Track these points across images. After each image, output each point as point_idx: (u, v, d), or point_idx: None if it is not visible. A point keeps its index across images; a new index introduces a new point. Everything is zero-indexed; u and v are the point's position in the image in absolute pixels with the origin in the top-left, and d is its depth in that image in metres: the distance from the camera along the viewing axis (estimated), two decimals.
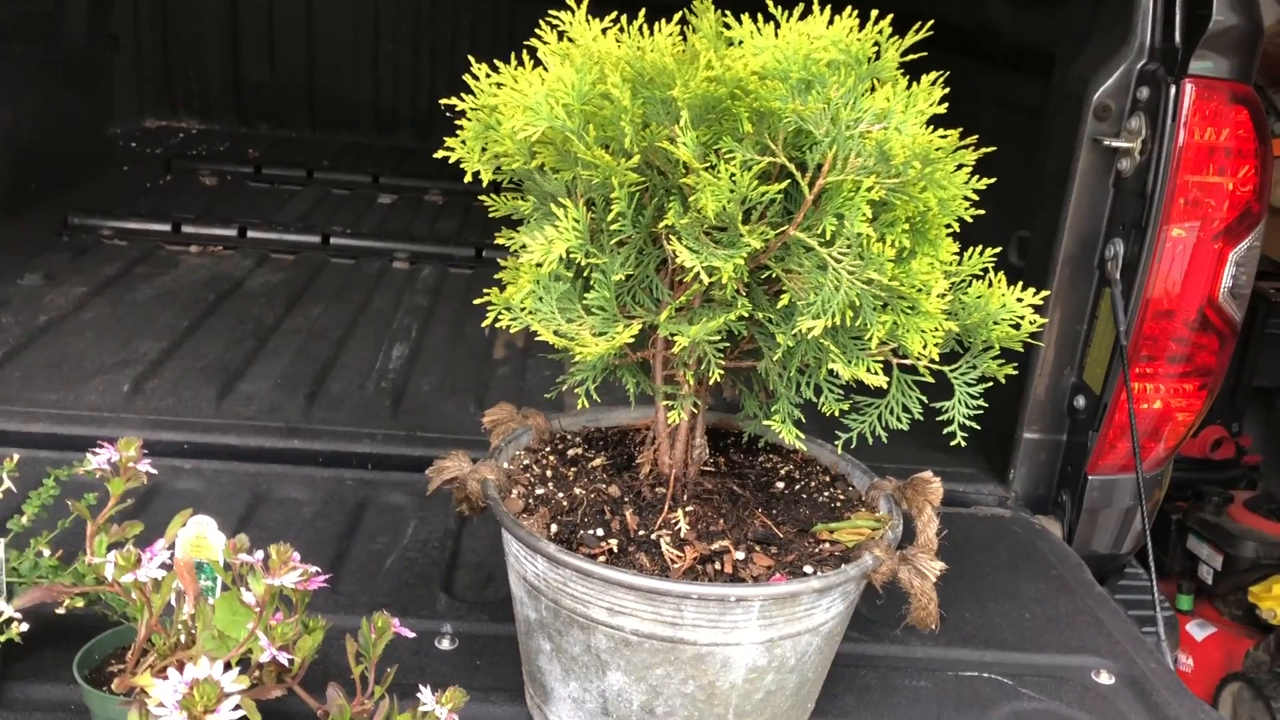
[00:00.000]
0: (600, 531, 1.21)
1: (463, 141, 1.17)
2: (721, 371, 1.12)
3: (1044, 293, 1.18)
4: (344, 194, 3.62)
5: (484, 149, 1.17)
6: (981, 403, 1.21)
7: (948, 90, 1.07)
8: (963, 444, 1.21)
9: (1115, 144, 1.83)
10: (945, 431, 1.21)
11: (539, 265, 1.09)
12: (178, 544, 1.20)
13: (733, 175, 1.03)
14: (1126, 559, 2.08)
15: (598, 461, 1.35)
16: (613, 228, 1.09)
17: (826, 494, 1.34)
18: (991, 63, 2.49)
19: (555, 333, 1.11)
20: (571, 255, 1.10)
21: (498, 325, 1.14)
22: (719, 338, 1.13)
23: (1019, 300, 1.17)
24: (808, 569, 1.17)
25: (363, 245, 3.05)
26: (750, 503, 1.29)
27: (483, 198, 1.30)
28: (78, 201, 3.08)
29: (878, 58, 1.05)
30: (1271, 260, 3.60)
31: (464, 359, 2.37)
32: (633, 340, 1.09)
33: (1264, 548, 3.40)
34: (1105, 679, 1.47)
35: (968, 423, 1.22)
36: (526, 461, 1.34)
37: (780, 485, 1.35)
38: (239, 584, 1.11)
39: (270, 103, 4.23)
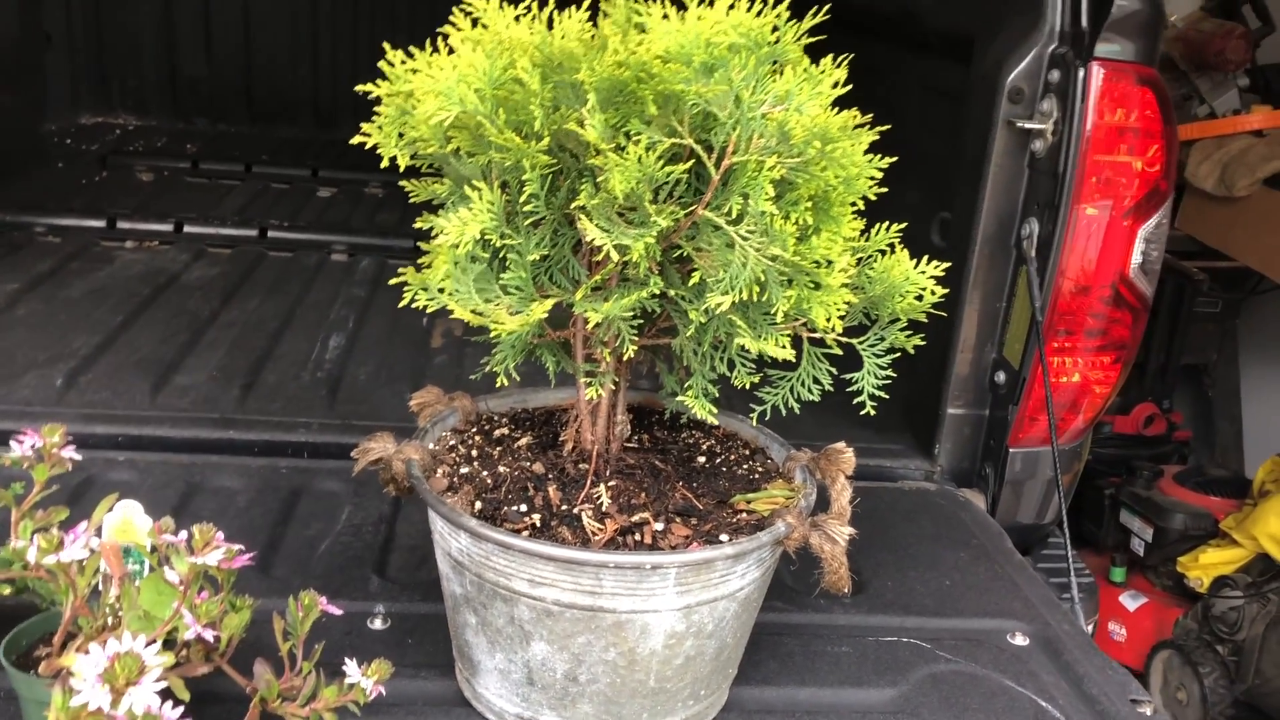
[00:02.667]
0: (524, 507, 1.24)
1: (379, 127, 1.19)
2: (636, 347, 1.16)
3: (944, 264, 1.22)
4: (283, 188, 3.61)
5: (401, 135, 1.20)
6: (890, 373, 1.26)
7: (875, 76, 1.11)
8: (872, 413, 1.25)
9: (1028, 125, 1.88)
10: (855, 401, 1.26)
11: (455, 246, 1.12)
12: (104, 528, 1.22)
13: (640, 157, 1.06)
14: (1050, 529, 2.14)
15: (523, 441, 1.38)
16: (526, 209, 1.12)
17: (746, 467, 1.38)
18: (916, 49, 2.54)
19: (473, 311, 1.14)
20: (487, 236, 1.13)
21: (414, 305, 1.17)
22: (633, 315, 1.16)
23: (921, 272, 1.21)
24: (724, 537, 1.20)
25: (301, 238, 3.06)
26: (671, 477, 1.33)
27: (404, 183, 1.32)
28: (10, 199, 3.05)
29: (778, 42, 1.08)
30: (1197, 241, 3.71)
31: (401, 348, 2.39)
32: (547, 317, 1.13)
33: (1191, 519, 3.50)
34: (1020, 640, 1.53)
35: (878, 393, 1.26)
36: (452, 442, 1.36)
37: (701, 460, 1.39)
38: (164, 565, 1.13)
39: (208, 98, 4.20)
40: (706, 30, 1.06)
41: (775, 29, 1.07)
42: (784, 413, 1.27)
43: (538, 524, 1.22)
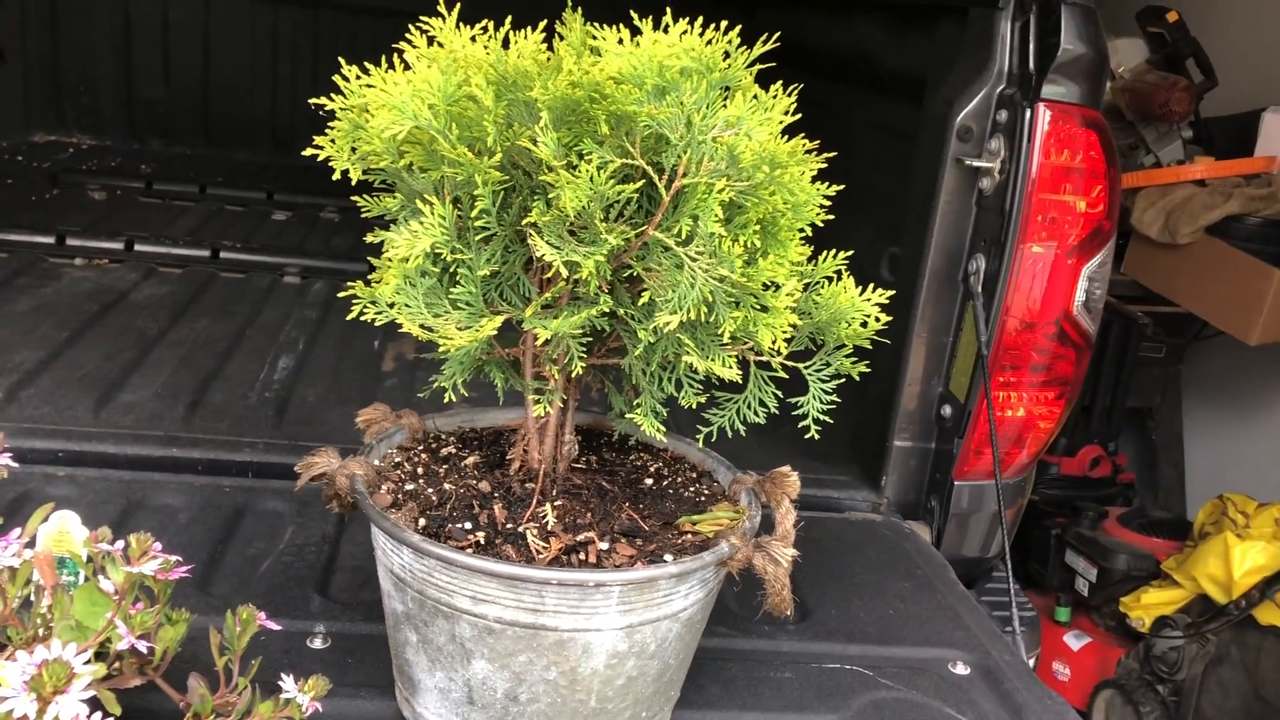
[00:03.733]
0: (468, 525, 1.24)
1: (332, 141, 1.19)
2: (584, 365, 1.16)
3: (888, 292, 1.24)
4: (238, 210, 3.59)
5: (354, 149, 1.20)
6: (836, 399, 1.27)
7: (827, 114, 1.13)
8: (817, 438, 1.26)
9: (977, 164, 1.92)
10: (800, 426, 1.27)
11: (405, 260, 1.12)
12: (38, 538, 1.19)
13: (591, 175, 1.07)
14: (994, 562, 2.16)
15: (470, 460, 1.38)
16: (477, 224, 1.13)
17: (692, 489, 1.38)
18: (870, 89, 2.58)
19: (421, 326, 1.14)
20: (438, 251, 1.14)
21: (363, 319, 1.16)
22: (582, 333, 1.17)
23: (866, 299, 1.23)
24: (668, 557, 1.21)
25: (253, 260, 3.04)
26: (618, 498, 1.33)
27: (355, 198, 1.33)
28: None
29: (729, 68, 1.10)
30: (1143, 286, 3.78)
31: (351, 371, 2.37)
32: (496, 333, 1.13)
33: (1134, 560, 3.55)
34: (961, 669, 1.54)
35: (824, 419, 1.27)
36: (398, 459, 1.36)
37: (649, 481, 1.39)
38: (99, 574, 1.11)
39: (164, 119, 4.17)
40: (659, 53, 1.07)
41: (726, 54, 1.09)
42: (730, 434, 1.28)
43: (482, 541, 1.21)
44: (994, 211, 1.91)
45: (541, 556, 1.20)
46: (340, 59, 1.19)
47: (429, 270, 1.15)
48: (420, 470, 1.34)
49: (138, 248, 2.97)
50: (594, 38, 1.14)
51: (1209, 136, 3.89)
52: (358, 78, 1.19)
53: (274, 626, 1.19)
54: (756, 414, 1.26)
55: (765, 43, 1.11)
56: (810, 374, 1.27)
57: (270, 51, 4.19)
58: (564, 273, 1.07)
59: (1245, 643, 3.13)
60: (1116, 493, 4.21)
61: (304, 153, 1.20)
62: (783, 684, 1.45)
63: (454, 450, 1.40)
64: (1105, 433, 4.21)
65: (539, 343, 1.16)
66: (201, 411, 2.07)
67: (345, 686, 1.33)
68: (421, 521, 1.23)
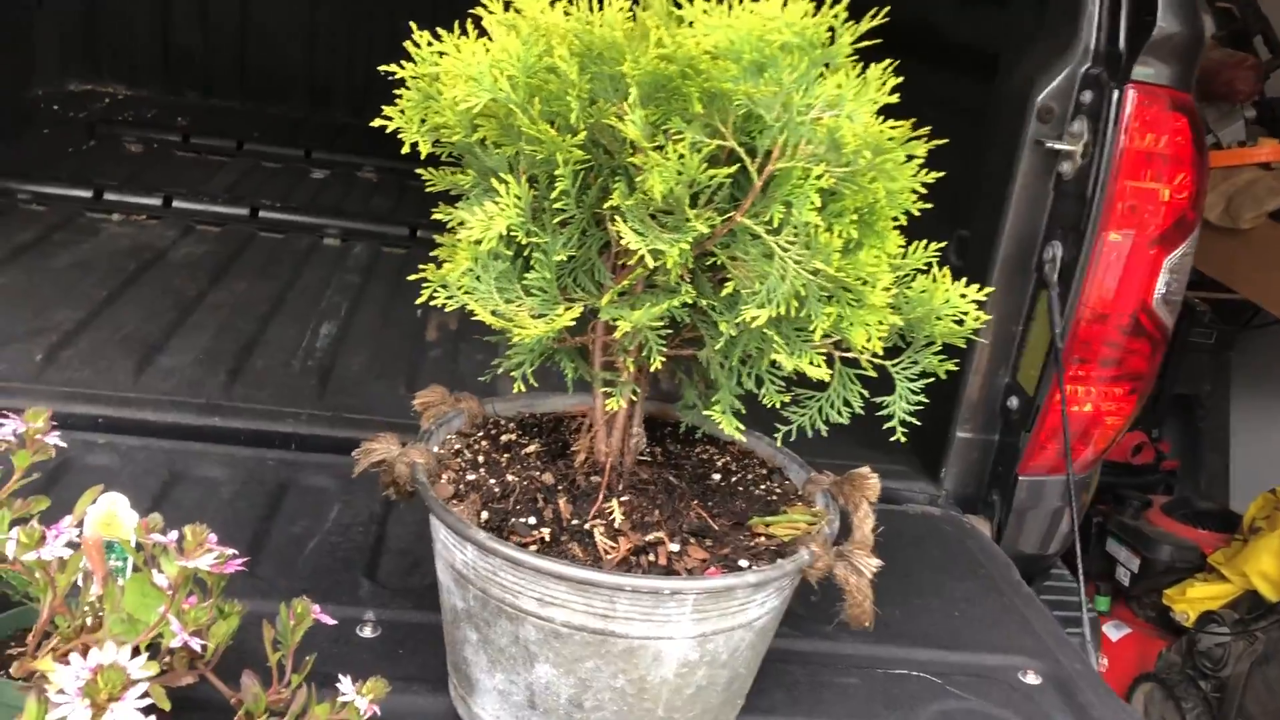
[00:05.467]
0: (532, 520, 1.18)
1: (401, 111, 1.12)
2: (663, 359, 1.10)
3: (987, 289, 1.16)
4: (274, 167, 3.52)
5: (423, 120, 1.13)
6: (922, 398, 1.20)
7: (900, 82, 1.05)
8: (902, 440, 1.20)
9: (1057, 146, 1.83)
10: (885, 427, 1.20)
11: (477, 243, 1.05)
12: (86, 521, 1.14)
13: (681, 156, 1.00)
14: (1053, 560, 2.09)
15: (532, 448, 1.32)
16: (556, 206, 1.06)
17: (763, 487, 1.32)
18: (932, 62, 2.48)
19: (493, 313, 1.08)
20: (512, 233, 1.07)
21: (433, 303, 1.10)
22: (662, 324, 1.10)
23: (962, 296, 1.16)
24: (743, 563, 1.14)
25: (292, 220, 2.98)
26: (686, 494, 1.26)
27: (420, 171, 1.26)
28: None
29: (831, 43, 1.02)
30: (1197, 270, 3.68)
31: (395, 340, 2.32)
32: (573, 324, 1.06)
33: (1179, 551, 3.47)
34: (1032, 679, 1.47)
35: (907, 418, 1.20)
36: (458, 446, 1.30)
37: (716, 477, 1.33)
38: (151, 565, 1.06)
39: (200, 70, 4.09)
40: (759, 26, 0.99)
41: (832, 30, 1.01)
42: (809, 434, 1.21)
43: (547, 538, 1.15)
44: (1073, 197, 1.83)
45: (609, 557, 1.14)
46: (412, 24, 1.11)
47: (501, 253, 1.08)
48: (481, 459, 1.28)
49: (176, 204, 2.91)
50: (678, 6, 1.07)
51: (1274, 117, 3.76)
52: (429, 44, 1.12)
53: (328, 620, 1.13)
54: (840, 414, 1.19)
55: (874, 17, 1.02)
56: (897, 373, 1.19)
57: (308, 3, 4.10)
58: (650, 262, 1.00)
59: None
60: (1158, 480, 4.13)
61: (371, 124, 1.12)
62: (848, 690, 1.40)
63: (514, 437, 1.34)
64: (1149, 419, 4.12)
65: (618, 334, 1.09)
66: (243, 379, 2.01)
67: (397, 680, 1.26)
68: (484, 515, 1.17)
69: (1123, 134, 1.77)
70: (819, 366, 1.09)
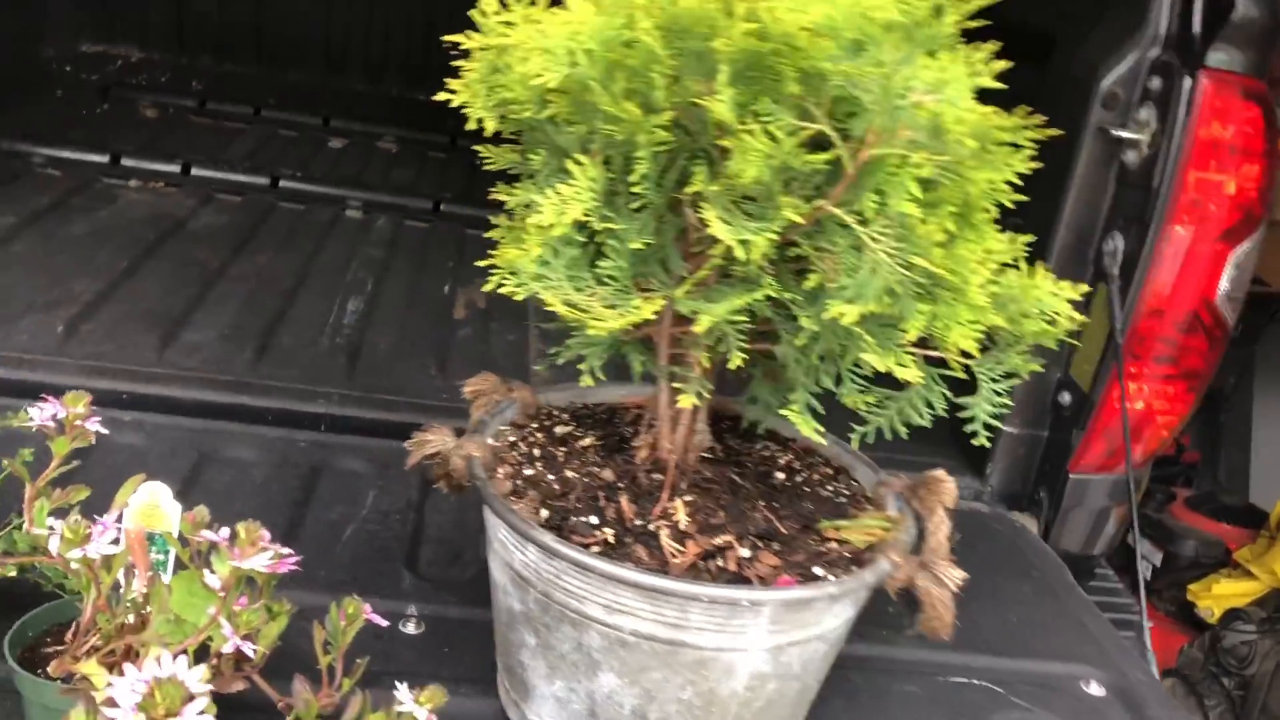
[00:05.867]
0: (594, 519, 1.12)
1: (467, 85, 1.05)
2: (743, 358, 1.03)
3: (1081, 287, 1.10)
4: (292, 135, 3.44)
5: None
6: (1006, 401, 1.14)
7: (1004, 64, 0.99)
8: (986, 444, 1.14)
9: (1123, 135, 1.76)
10: (967, 429, 1.14)
11: (549, 227, 0.98)
12: (127, 512, 1.08)
13: (778, 139, 0.94)
14: (1097, 561, 2.04)
15: (587, 441, 1.26)
16: (634, 190, 0.99)
17: (830, 488, 1.26)
18: (979, 38, 2.41)
19: (565, 303, 1.01)
20: (586, 218, 1.00)
21: (501, 290, 1.03)
22: (742, 319, 1.03)
23: (1054, 295, 1.09)
24: (818, 571, 1.09)
25: (314, 190, 2.90)
26: (752, 494, 1.21)
27: (479, 148, 1.19)
28: (8, 126, 2.87)
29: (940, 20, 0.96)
30: None
31: (422, 318, 2.25)
32: (654, 317, 1.00)
33: (1203, 547, 3.42)
34: (1096, 690, 1.42)
35: (990, 420, 1.14)
36: (513, 438, 1.24)
37: (780, 476, 1.27)
38: (197, 562, 1.00)
39: (215, 33, 4.00)
40: (861, 2, 0.93)
41: (939, 9, 0.95)
42: (889, 436, 1.15)
43: (611, 540, 1.09)
44: (1138, 188, 1.76)
45: (676, 561, 1.08)
46: None
47: (574, 239, 1.01)
48: (537, 452, 1.22)
49: (195, 171, 2.84)
50: None
51: None
52: (495, 13, 1.05)
53: (380, 622, 1.08)
54: (922, 416, 1.13)
55: None
56: (983, 373, 1.13)
57: None
58: (739, 252, 0.94)
59: None
60: (1179, 472, 4.07)
61: (435, 98, 1.05)
62: (909, 699, 1.34)
63: (570, 429, 1.28)
64: None
65: (697, 328, 1.02)
66: (270, 356, 1.95)
67: (443, 680, 1.22)
68: (543, 513, 1.11)
69: (1193, 123, 1.70)
70: (910, 368, 1.02)
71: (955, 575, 1.07)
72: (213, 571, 0.93)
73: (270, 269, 2.34)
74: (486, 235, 1.22)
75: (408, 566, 1.45)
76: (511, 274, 1.02)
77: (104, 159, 2.80)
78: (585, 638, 1.05)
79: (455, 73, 1.08)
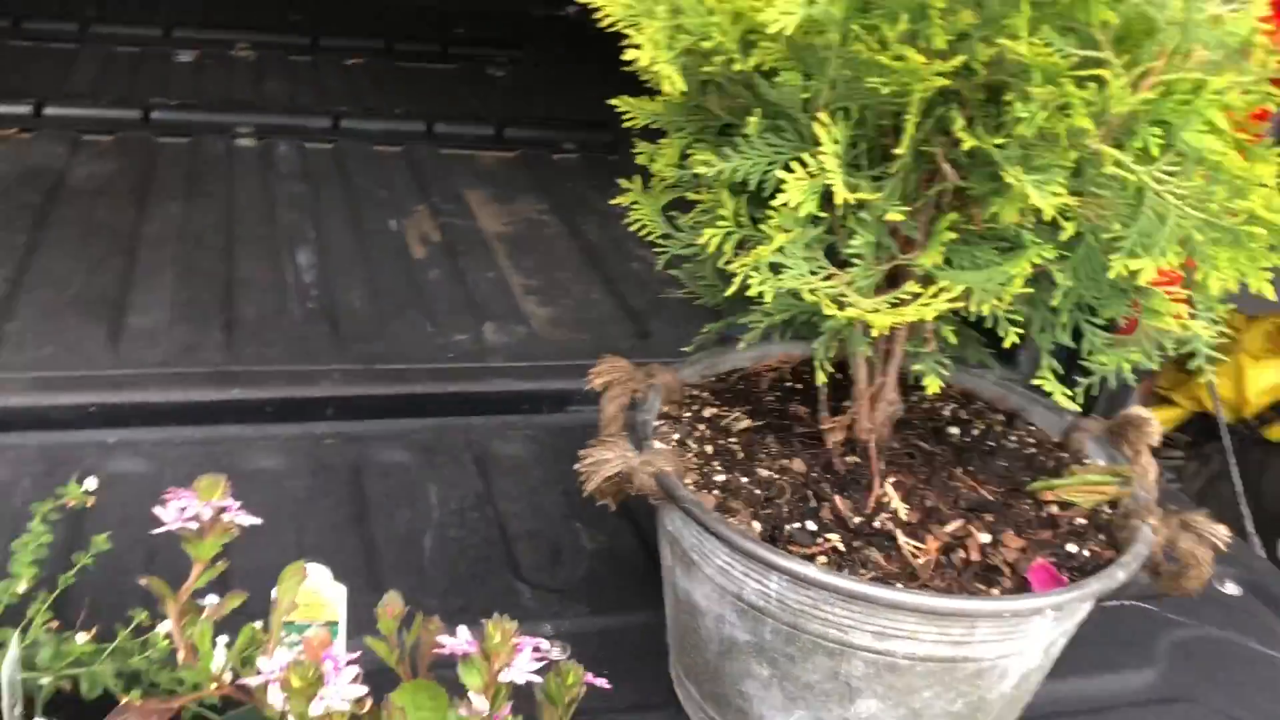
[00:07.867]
0: (810, 524, 0.98)
1: (649, 39, 0.85)
2: (1018, 330, 0.89)
3: None
4: (132, 51, 2.99)
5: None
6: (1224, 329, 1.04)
7: None
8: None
9: None
10: (1191, 365, 1.04)
11: (796, 207, 0.81)
12: (280, 599, 0.87)
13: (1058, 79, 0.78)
14: None
15: (744, 423, 1.10)
16: (897, 151, 0.82)
17: (1013, 439, 1.15)
18: None
19: (811, 291, 0.84)
20: (830, 188, 0.83)
21: (752, 278, 0.85)
22: (999, 284, 0.89)
23: None
24: (1071, 548, 0.98)
25: (192, 120, 2.53)
26: (943, 460, 1.09)
27: (612, 100, 0.99)
28: None
29: None
30: None
31: (383, 261, 1.99)
32: (950, 307, 0.84)
33: None
34: (1232, 589, 1.39)
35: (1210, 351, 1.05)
36: (676, 435, 1.07)
37: (955, 431, 1.15)
38: (404, 664, 0.82)
39: None
40: None
41: None
42: (1113, 383, 1.04)
43: (841, 547, 0.96)
44: None
45: (920, 562, 0.96)
46: None
47: (820, 217, 0.84)
48: (710, 449, 1.06)
49: (48, 111, 2.43)
50: None
51: None
52: None
53: (605, 685, 0.92)
54: (1151, 359, 1.02)
55: None
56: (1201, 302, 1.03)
57: None
58: (1060, 219, 0.79)
59: (1247, 459, 3.17)
60: None
61: (623, 57, 0.85)
62: (1077, 635, 1.27)
63: (716, 410, 1.12)
64: None
65: (949, 297, 0.87)
66: (241, 334, 1.68)
67: (619, 713, 1.08)
68: (756, 525, 0.97)
69: None
70: (1180, 317, 0.91)
71: (1220, 532, 0.98)
72: (471, 691, 0.75)
73: (189, 224, 2.03)
74: (613, 203, 1.03)
75: (513, 573, 1.27)
76: (755, 270, 0.84)
77: None
78: (845, 666, 0.92)
79: None
